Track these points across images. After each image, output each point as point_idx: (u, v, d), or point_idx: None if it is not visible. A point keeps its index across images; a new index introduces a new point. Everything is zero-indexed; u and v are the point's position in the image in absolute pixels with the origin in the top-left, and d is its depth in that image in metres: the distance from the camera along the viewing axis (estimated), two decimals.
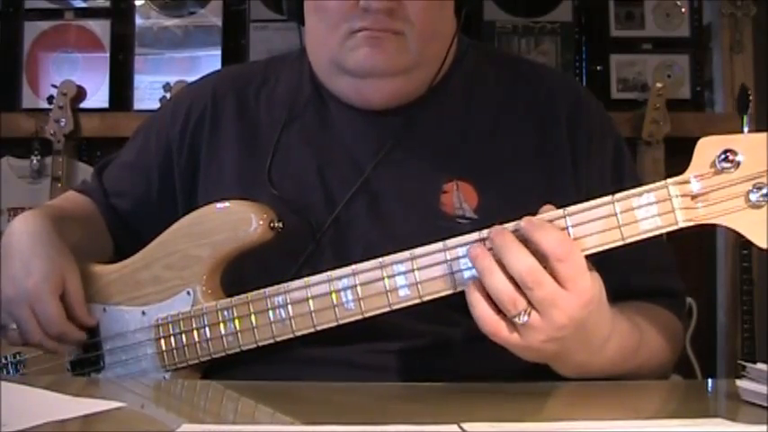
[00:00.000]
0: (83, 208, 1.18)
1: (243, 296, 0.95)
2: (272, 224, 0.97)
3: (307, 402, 0.84)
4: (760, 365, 0.75)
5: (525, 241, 0.79)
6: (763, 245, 0.78)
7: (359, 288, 0.89)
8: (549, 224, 0.80)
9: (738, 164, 0.78)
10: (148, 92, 2.53)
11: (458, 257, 0.84)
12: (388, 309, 0.88)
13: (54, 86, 2.45)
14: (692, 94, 2.52)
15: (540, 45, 2.54)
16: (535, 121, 1.06)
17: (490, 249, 0.80)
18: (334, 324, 0.91)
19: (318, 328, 0.91)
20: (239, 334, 0.95)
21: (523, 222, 0.80)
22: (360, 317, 0.89)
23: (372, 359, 0.96)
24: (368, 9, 0.98)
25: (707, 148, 0.80)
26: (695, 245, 2.40)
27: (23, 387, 0.82)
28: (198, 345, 0.98)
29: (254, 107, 1.12)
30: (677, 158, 2.42)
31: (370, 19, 0.98)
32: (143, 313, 1.02)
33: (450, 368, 0.94)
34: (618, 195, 0.81)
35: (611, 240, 0.81)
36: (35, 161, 2.49)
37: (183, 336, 0.99)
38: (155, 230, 1.05)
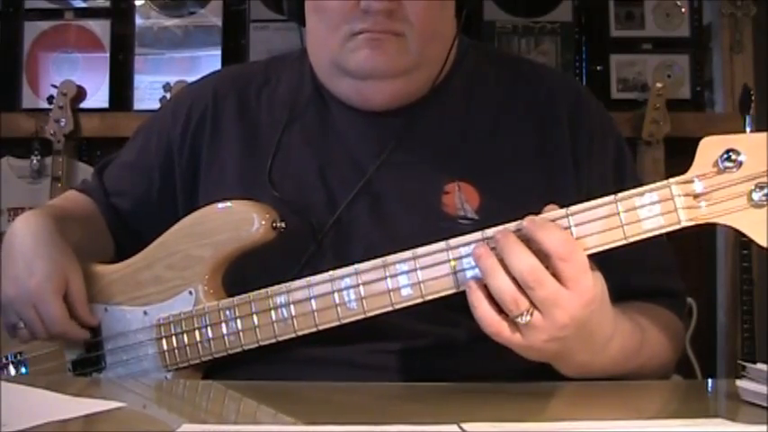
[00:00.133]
0: (83, 208, 1.18)
1: (245, 296, 0.95)
2: (274, 224, 0.97)
3: (307, 402, 0.84)
4: (760, 365, 0.75)
5: (528, 241, 0.79)
6: (765, 244, 0.78)
7: (361, 287, 0.89)
8: (551, 223, 0.80)
9: (741, 163, 0.78)
10: (148, 92, 2.52)
11: (461, 257, 0.84)
12: (390, 308, 0.88)
13: (54, 86, 2.45)
14: (692, 94, 2.52)
15: (540, 45, 2.54)
16: (536, 121, 1.06)
17: (493, 249, 0.81)
18: (336, 324, 0.91)
19: (321, 328, 0.91)
20: (241, 333, 0.95)
21: (526, 222, 0.80)
22: (362, 316, 0.89)
23: (374, 359, 0.96)
24: (368, 10, 0.98)
25: (709, 148, 0.80)
26: (695, 245, 2.40)
27: (24, 387, 0.82)
28: (199, 344, 0.98)
29: (255, 107, 1.12)
30: (677, 158, 2.43)
31: (370, 20, 0.98)
32: (144, 313, 1.02)
33: (452, 368, 0.94)
34: (620, 195, 0.81)
35: (613, 240, 0.81)
36: (35, 161, 2.49)
37: (185, 335, 0.99)
38: (155, 230, 1.05)
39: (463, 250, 0.84)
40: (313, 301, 0.91)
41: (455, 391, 0.86)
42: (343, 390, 0.90)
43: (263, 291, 0.94)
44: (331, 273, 0.90)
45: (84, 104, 2.51)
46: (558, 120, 1.06)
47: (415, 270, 0.86)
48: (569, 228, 0.81)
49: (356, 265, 0.89)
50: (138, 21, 2.57)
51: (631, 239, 0.81)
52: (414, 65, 1.02)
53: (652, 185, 0.81)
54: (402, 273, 0.87)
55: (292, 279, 0.93)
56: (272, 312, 0.93)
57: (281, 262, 0.98)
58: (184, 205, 1.10)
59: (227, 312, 0.96)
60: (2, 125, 2.46)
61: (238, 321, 0.96)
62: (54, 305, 0.99)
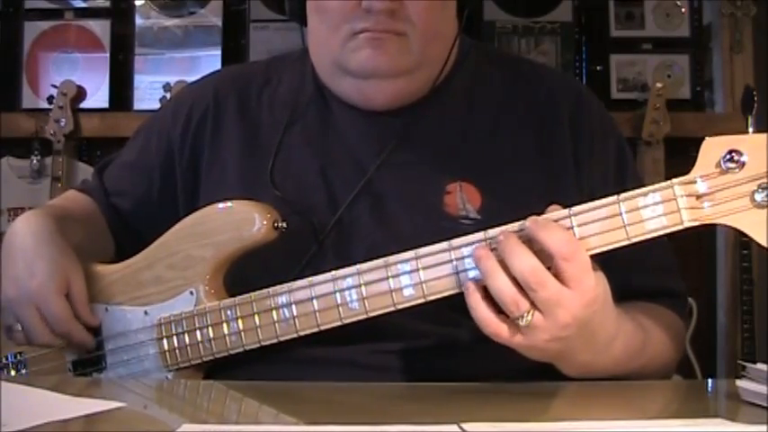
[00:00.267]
0: (84, 207, 1.18)
1: (246, 296, 0.95)
2: (275, 224, 0.97)
3: (308, 402, 0.84)
4: (760, 365, 0.75)
5: (530, 241, 0.80)
6: (767, 245, 0.78)
7: (363, 288, 0.89)
8: (554, 224, 0.80)
9: (743, 164, 0.78)
10: (148, 92, 2.53)
11: (463, 257, 0.84)
12: (392, 308, 0.88)
13: (54, 86, 2.45)
14: (691, 94, 2.53)
15: (540, 45, 2.54)
16: (537, 121, 1.06)
17: (494, 250, 0.81)
18: (338, 324, 0.91)
19: (322, 328, 0.91)
20: (242, 333, 0.95)
21: (528, 222, 0.81)
22: (364, 316, 0.89)
23: (376, 359, 0.96)
24: (370, 10, 0.98)
25: (712, 149, 0.80)
26: (695, 245, 2.40)
27: (24, 387, 0.82)
28: (200, 344, 0.98)
29: (256, 107, 1.12)
30: (677, 158, 2.43)
31: (371, 20, 0.98)
32: (145, 313, 1.02)
33: (455, 368, 0.94)
34: (623, 195, 0.81)
35: (616, 240, 0.81)
36: (35, 161, 2.49)
37: (186, 335, 0.99)
38: (155, 230, 1.05)
39: (465, 251, 0.84)
40: (315, 301, 0.91)
41: (455, 391, 0.86)
42: (343, 390, 0.90)
43: (264, 291, 0.94)
44: (333, 273, 0.90)
45: (85, 104, 2.51)
46: (560, 120, 1.06)
47: (417, 270, 0.86)
48: (572, 228, 0.81)
49: (358, 266, 0.89)
50: (138, 21, 2.57)
51: (634, 240, 0.81)
52: (415, 64, 1.02)
53: (655, 186, 0.81)
54: (404, 273, 0.87)
55: (294, 279, 0.93)
56: (274, 312, 0.93)
57: (282, 262, 0.98)
58: (185, 205, 1.10)
59: (229, 312, 0.96)
60: (2, 125, 2.46)
61: (240, 321, 0.95)
62: (57, 305, 0.99)
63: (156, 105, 2.35)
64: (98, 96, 2.54)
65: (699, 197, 0.80)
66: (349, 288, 0.89)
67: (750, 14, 2.47)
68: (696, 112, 2.51)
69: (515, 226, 0.82)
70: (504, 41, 2.54)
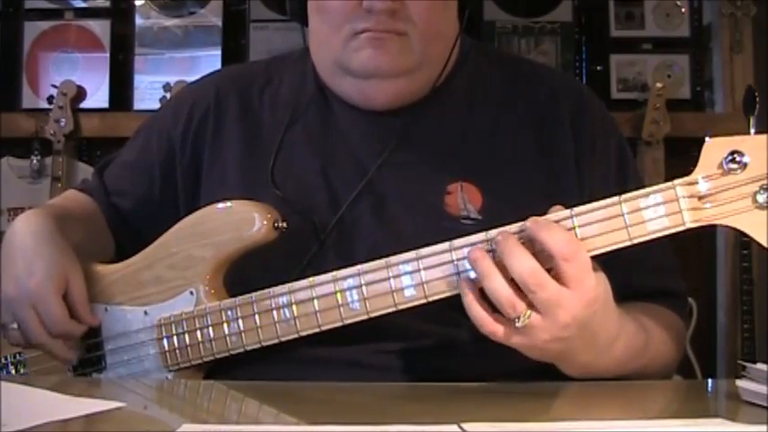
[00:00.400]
0: (84, 207, 1.18)
1: (247, 296, 0.95)
2: (276, 224, 0.97)
3: (308, 402, 0.84)
4: (760, 365, 0.75)
5: (531, 241, 0.80)
6: None
7: (364, 288, 0.89)
8: (554, 224, 0.81)
9: (745, 165, 0.79)
10: (148, 92, 2.53)
11: (464, 258, 0.84)
12: (393, 309, 0.88)
13: (54, 86, 2.45)
14: (692, 94, 2.53)
15: (540, 45, 2.54)
16: (538, 121, 1.06)
17: (492, 252, 0.81)
18: (339, 324, 0.91)
19: (323, 329, 0.91)
20: (243, 334, 0.95)
21: (529, 222, 0.81)
22: (365, 317, 0.89)
23: (377, 359, 0.96)
24: (371, 10, 0.98)
25: (714, 149, 0.80)
26: (695, 245, 2.40)
27: (24, 387, 0.82)
28: (201, 345, 0.98)
29: (257, 107, 1.12)
30: (677, 158, 2.43)
31: (372, 20, 0.98)
32: (145, 313, 1.02)
33: (455, 369, 0.94)
34: (625, 196, 0.81)
35: (618, 241, 0.81)
36: (35, 161, 2.49)
37: (186, 336, 0.99)
38: (156, 230, 1.05)
39: (467, 251, 0.84)
40: (316, 301, 0.91)
41: (456, 391, 0.86)
42: (344, 390, 0.89)
43: (265, 291, 0.94)
44: (334, 273, 0.90)
45: (85, 104, 2.51)
46: (560, 120, 1.06)
47: (419, 270, 0.86)
48: (574, 228, 0.81)
49: (359, 266, 0.89)
50: (138, 21, 2.57)
51: (636, 241, 0.81)
52: (416, 64, 1.02)
53: (657, 187, 0.81)
54: (405, 273, 0.87)
55: (295, 279, 0.93)
56: (275, 313, 0.93)
57: (283, 262, 0.98)
58: (186, 205, 1.10)
59: (229, 312, 0.96)
60: (2, 125, 2.46)
61: (240, 321, 0.95)
62: (55, 305, 0.99)
63: (156, 105, 2.35)
64: (98, 96, 2.54)
65: (701, 198, 0.80)
66: (350, 288, 0.89)
67: (750, 14, 2.47)
68: (696, 112, 2.51)
69: (516, 227, 0.82)
70: (504, 41, 2.54)
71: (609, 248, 0.81)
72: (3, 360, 1.10)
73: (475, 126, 1.06)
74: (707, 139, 0.81)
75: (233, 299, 0.97)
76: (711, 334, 2.45)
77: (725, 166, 0.79)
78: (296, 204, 1.02)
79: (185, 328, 0.99)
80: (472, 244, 0.84)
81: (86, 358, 1.05)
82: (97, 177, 1.21)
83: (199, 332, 0.98)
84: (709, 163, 0.80)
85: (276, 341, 0.94)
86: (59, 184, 2.37)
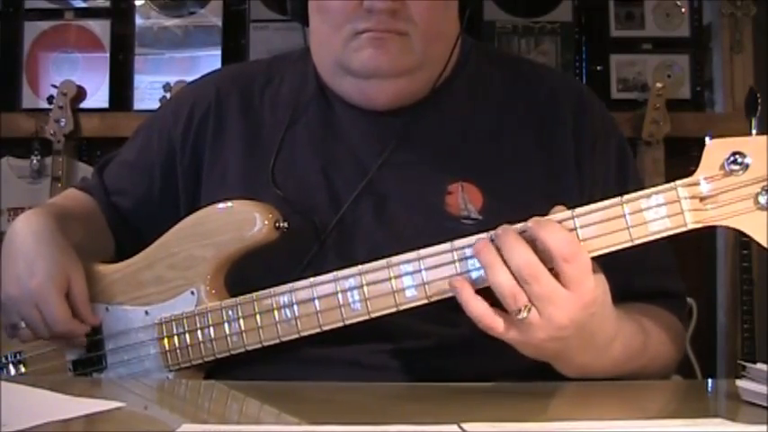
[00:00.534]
0: (84, 206, 1.18)
1: (248, 296, 0.95)
2: (277, 224, 0.97)
3: (308, 402, 0.84)
4: (760, 365, 0.75)
5: (533, 241, 0.80)
6: None
7: (365, 288, 0.89)
8: (556, 224, 0.81)
9: (747, 166, 0.78)
10: (148, 92, 2.53)
11: (465, 258, 0.84)
12: (394, 309, 0.88)
13: (54, 86, 2.45)
14: (692, 94, 2.53)
15: (540, 45, 2.54)
16: (538, 121, 1.06)
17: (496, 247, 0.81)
18: (340, 324, 0.91)
19: (324, 329, 0.91)
20: (244, 334, 0.95)
21: (531, 222, 0.81)
22: (366, 317, 0.89)
23: (378, 360, 0.96)
24: (371, 10, 0.98)
25: (715, 150, 0.80)
26: (695, 245, 2.40)
27: (24, 387, 0.82)
28: (202, 345, 0.98)
29: (257, 107, 1.11)
30: (677, 158, 2.43)
31: (373, 20, 0.98)
32: (146, 313, 1.02)
33: (456, 369, 0.94)
34: (627, 197, 0.81)
35: (619, 242, 0.81)
36: (35, 161, 2.49)
37: (187, 335, 0.99)
38: (156, 229, 1.05)
39: (468, 251, 0.84)
40: (317, 301, 0.91)
41: (456, 391, 0.86)
42: (344, 390, 0.90)
43: (266, 291, 0.94)
44: (335, 273, 0.90)
45: (84, 104, 2.51)
46: (561, 120, 1.06)
47: (420, 271, 0.86)
48: (575, 229, 0.81)
49: (360, 266, 0.89)
50: (138, 21, 2.57)
51: (637, 242, 0.81)
52: (417, 64, 1.02)
53: (658, 187, 0.81)
54: (406, 273, 0.87)
55: (295, 279, 0.93)
56: (276, 313, 0.93)
57: (283, 262, 0.98)
58: (186, 204, 1.10)
59: (230, 312, 0.96)
60: (2, 125, 2.46)
61: (241, 321, 0.95)
62: (56, 305, 0.99)
63: (156, 105, 2.35)
64: (98, 96, 2.54)
65: (702, 199, 0.80)
66: (351, 288, 0.89)
67: (750, 14, 2.47)
68: (696, 112, 2.51)
69: (518, 227, 0.82)
70: (504, 41, 2.54)
71: (610, 249, 0.81)
72: (3, 360, 1.10)
73: (475, 126, 1.06)
74: (708, 140, 0.81)
75: (234, 299, 0.97)
76: (711, 334, 2.45)
77: (726, 168, 0.79)
78: (296, 204, 1.01)
79: (186, 328, 0.99)
80: (473, 244, 0.84)
81: (87, 358, 1.05)
82: (97, 176, 1.21)
83: (199, 332, 0.98)
84: (710, 164, 0.80)
85: (277, 341, 0.94)
86: (59, 184, 2.37)
